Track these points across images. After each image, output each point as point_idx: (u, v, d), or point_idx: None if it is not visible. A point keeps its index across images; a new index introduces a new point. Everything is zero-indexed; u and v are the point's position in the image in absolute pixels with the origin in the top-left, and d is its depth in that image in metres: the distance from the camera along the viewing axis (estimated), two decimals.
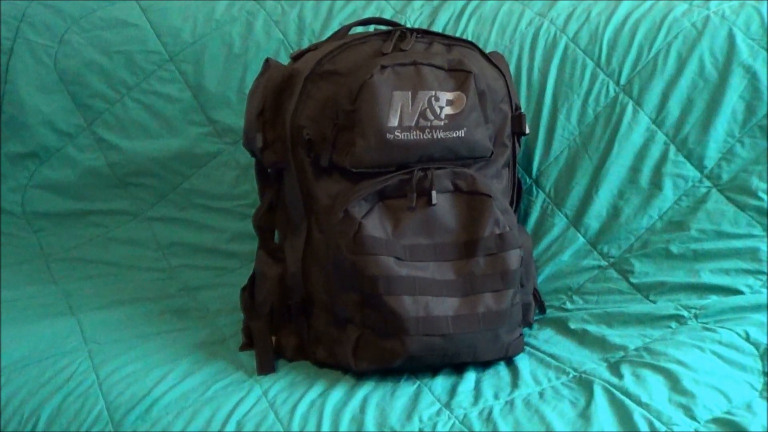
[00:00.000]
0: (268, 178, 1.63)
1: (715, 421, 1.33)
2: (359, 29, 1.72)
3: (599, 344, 1.55)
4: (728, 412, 1.34)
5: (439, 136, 1.50)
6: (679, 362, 1.44)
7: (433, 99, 1.50)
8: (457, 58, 1.54)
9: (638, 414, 1.34)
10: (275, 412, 1.40)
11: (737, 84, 1.70)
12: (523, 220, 1.75)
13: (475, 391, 1.44)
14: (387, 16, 1.90)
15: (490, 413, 1.38)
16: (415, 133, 1.49)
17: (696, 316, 1.58)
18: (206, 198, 1.96)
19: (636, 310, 1.61)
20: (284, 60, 1.70)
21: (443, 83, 1.52)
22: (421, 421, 1.37)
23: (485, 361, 1.50)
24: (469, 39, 1.76)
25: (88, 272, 1.90)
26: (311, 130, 1.52)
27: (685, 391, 1.38)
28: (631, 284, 1.67)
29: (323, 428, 1.36)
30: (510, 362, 1.52)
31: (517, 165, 1.66)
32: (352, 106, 1.49)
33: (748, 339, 1.50)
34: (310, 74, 1.53)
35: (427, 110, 1.50)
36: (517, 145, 1.65)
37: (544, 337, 1.60)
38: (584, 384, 1.42)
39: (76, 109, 2.06)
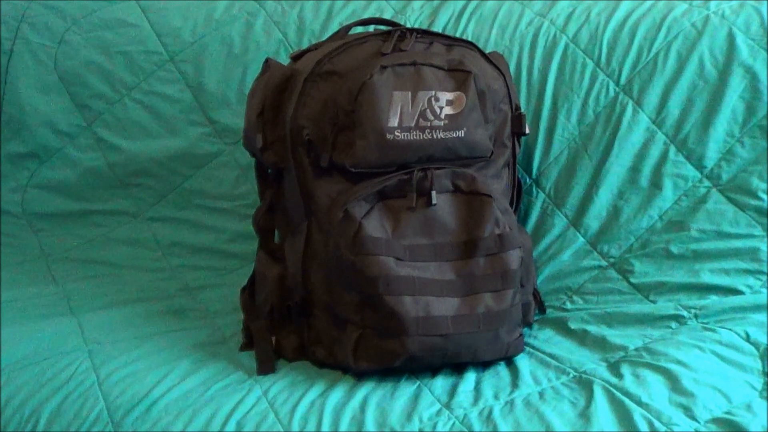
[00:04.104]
0: (268, 178, 1.63)
1: (715, 421, 1.33)
2: (359, 29, 1.72)
3: (599, 344, 1.55)
4: (728, 412, 1.34)
5: (439, 136, 1.50)
6: (679, 362, 1.44)
7: (432, 99, 1.50)
8: (456, 58, 1.54)
9: (638, 414, 1.34)
10: (275, 412, 1.40)
11: (737, 84, 1.70)
12: (523, 220, 1.75)
13: (475, 391, 1.44)
14: (387, 16, 1.90)
15: (490, 413, 1.38)
16: (415, 133, 1.49)
17: (696, 316, 1.58)
18: (206, 198, 1.96)
19: (636, 310, 1.61)
20: (284, 60, 1.70)
21: (443, 83, 1.52)
22: (421, 421, 1.37)
23: (485, 361, 1.50)
24: (469, 39, 1.76)
25: (88, 272, 1.90)
26: (311, 131, 1.52)
27: (685, 391, 1.38)
28: (631, 284, 1.67)
29: (323, 428, 1.36)
30: (510, 362, 1.52)
31: (517, 165, 1.66)
32: (351, 107, 1.49)
33: (748, 339, 1.50)
34: (309, 74, 1.53)
35: (427, 110, 1.50)
36: (517, 145, 1.65)
37: (544, 337, 1.60)
38: (584, 384, 1.42)
39: (76, 109, 2.06)
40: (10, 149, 2.09)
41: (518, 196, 1.69)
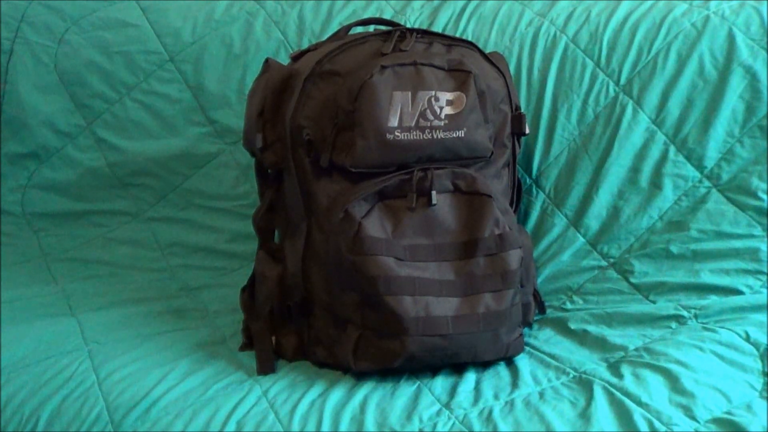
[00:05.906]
0: (268, 178, 1.63)
1: (715, 421, 1.33)
2: (359, 29, 1.72)
3: (599, 344, 1.55)
4: (728, 412, 1.34)
5: (439, 137, 1.50)
6: (679, 362, 1.44)
7: (432, 99, 1.50)
8: (457, 59, 1.54)
9: (638, 414, 1.34)
10: (275, 412, 1.40)
11: (737, 84, 1.70)
12: (523, 220, 1.75)
13: (475, 391, 1.44)
14: (387, 16, 1.90)
15: (490, 413, 1.38)
16: (415, 133, 1.49)
17: (696, 316, 1.58)
18: (206, 198, 1.96)
19: (636, 310, 1.61)
20: (284, 60, 1.70)
21: (443, 83, 1.52)
22: (421, 421, 1.37)
23: (485, 361, 1.50)
24: (469, 39, 1.76)
25: (88, 272, 1.90)
26: (311, 131, 1.52)
27: (685, 391, 1.38)
28: (631, 284, 1.67)
29: (323, 428, 1.36)
30: (510, 362, 1.52)
31: (517, 165, 1.66)
32: (351, 107, 1.49)
33: (748, 339, 1.50)
34: (309, 74, 1.53)
35: (427, 110, 1.50)
36: (517, 145, 1.65)
37: (544, 337, 1.60)
38: (584, 384, 1.42)
39: (76, 109, 2.06)
40: (10, 149, 2.09)
41: (518, 196, 1.69)
